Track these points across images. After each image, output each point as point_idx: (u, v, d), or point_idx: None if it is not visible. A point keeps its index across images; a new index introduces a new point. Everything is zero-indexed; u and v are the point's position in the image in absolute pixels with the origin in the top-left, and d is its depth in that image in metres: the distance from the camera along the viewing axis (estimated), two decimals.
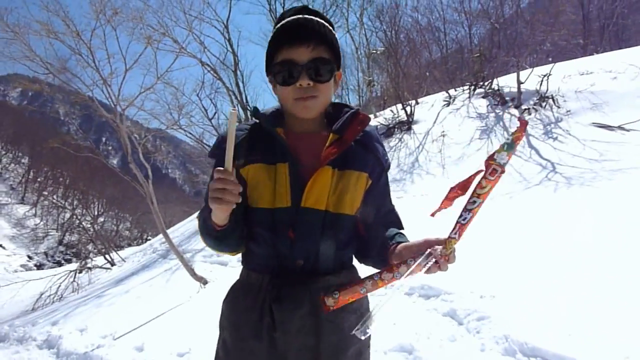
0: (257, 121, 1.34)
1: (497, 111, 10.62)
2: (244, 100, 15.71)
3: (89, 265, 13.20)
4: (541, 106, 9.68)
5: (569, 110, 9.08)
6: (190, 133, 15.19)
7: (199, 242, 10.03)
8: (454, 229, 1.10)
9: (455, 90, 13.45)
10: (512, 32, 12.85)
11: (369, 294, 1.24)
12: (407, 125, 12.22)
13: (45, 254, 50.33)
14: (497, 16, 12.98)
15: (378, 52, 14.81)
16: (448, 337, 3.33)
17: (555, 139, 8.36)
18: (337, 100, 1.44)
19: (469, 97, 12.17)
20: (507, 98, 10.85)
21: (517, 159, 7.91)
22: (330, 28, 1.29)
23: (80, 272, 11.63)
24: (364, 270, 1.37)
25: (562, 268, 4.00)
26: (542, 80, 9.93)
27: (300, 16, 1.25)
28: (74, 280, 10.59)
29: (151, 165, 7.93)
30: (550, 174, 7.06)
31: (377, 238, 1.33)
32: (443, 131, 10.69)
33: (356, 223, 1.36)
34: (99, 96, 8.21)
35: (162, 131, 11.98)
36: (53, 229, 53.37)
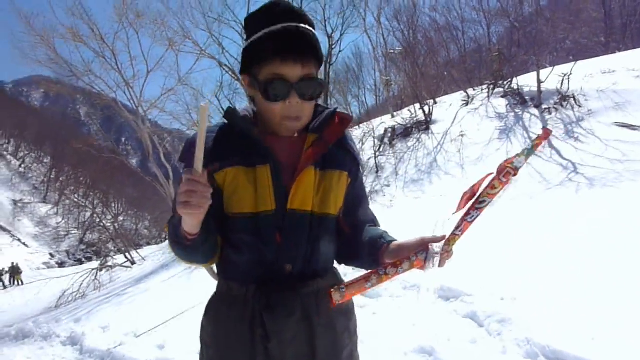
0: (226, 122, 1.27)
1: (517, 111, 10.50)
2: None
3: (109, 263, 13.41)
4: (562, 106, 9.55)
5: (591, 110, 8.94)
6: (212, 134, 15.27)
7: None
8: (458, 226, 1.08)
9: (474, 90, 13.33)
10: (531, 31, 12.68)
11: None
12: (425, 125, 12.16)
13: (67, 252, 51.26)
14: (517, 14, 12.83)
15: (396, 52, 14.75)
16: (469, 340, 3.31)
17: (577, 139, 8.24)
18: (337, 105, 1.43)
19: (488, 97, 12.06)
20: (526, 97, 10.72)
21: (538, 159, 7.81)
22: (316, 34, 1.22)
23: (101, 270, 11.83)
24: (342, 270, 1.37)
25: (585, 270, 3.95)
26: (562, 80, 9.79)
27: (293, 24, 1.16)
28: (95, 279, 10.77)
29: (171, 165, 8.04)
30: (571, 174, 6.97)
31: (365, 237, 1.30)
32: (462, 131, 10.61)
33: (338, 223, 1.33)
34: (121, 98, 8.38)
35: (182, 132, 12.13)
36: (74, 227, 54.34)
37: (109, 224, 19.10)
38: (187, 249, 1.15)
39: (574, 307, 3.36)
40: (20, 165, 76.05)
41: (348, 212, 1.34)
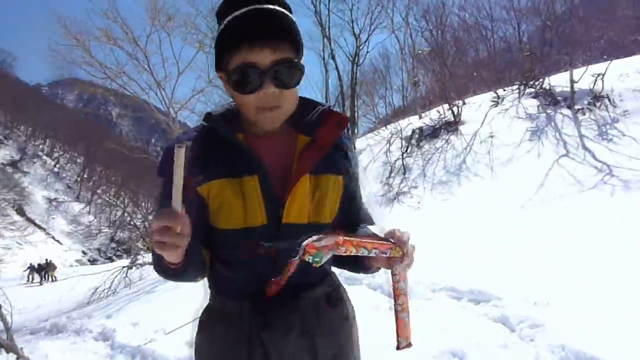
0: (205, 124, 1.14)
1: (549, 111, 10.27)
2: None
3: (139, 261, 13.67)
4: (595, 106, 9.30)
5: (626, 110, 8.67)
6: None
7: None
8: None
9: (504, 90, 13.10)
10: (564, 30, 12.39)
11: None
12: (454, 126, 12.00)
13: (98, 249, 52.61)
14: (549, 13, 12.56)
15: (424, 53, 14.62)
16: (499, 344, 3.25)
17: (610, 140, 8.01)
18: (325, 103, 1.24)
19: (519, 97, 11.82)
20: (559, 98, 10.47)
21: (570, 160, 7.63)
22: (290, 15, 1.08)
23: (131, 268, 12.06)
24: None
25: (622, 275, 3.83)
26: (595, 79, 9.53)
27: (257, 6, 1.02)
28: (126, 276, 10.99)
29: None
30: (606, 177, 6.77)
31: None
32: (491, 132, 10.43)
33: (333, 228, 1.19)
34: (153, 99, 8.57)
35: None
36: (105, 226, 55.71)
37: (139, 223, 19.49)
38: (172, 276, 1.06)
39: (610, 313, 3.26)
40: (54, 165, 78.44)
41: (340, 212, 1.21)
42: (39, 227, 54.70)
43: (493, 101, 12.32)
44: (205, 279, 1.22)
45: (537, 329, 3.27)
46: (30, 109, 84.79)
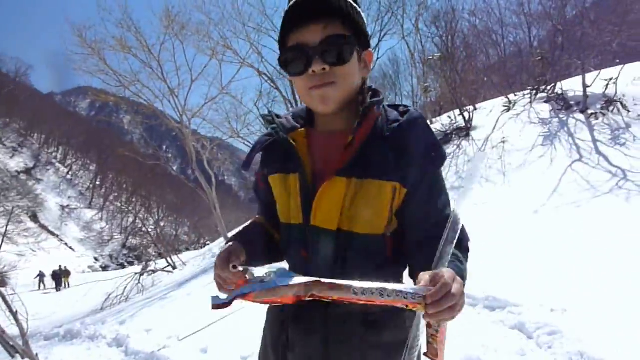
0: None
1: (561, 116, 10.18)
2: None
3: (151, 268, 13.77)
4: (609, 110, 9.21)
5: None
6: (250, 142, 15.60)
7: None
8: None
9: (515, 95, 13.02)
10: (576, 34, 12.29)
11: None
12: (465, 131, 11.96)
13: (110, 256, 52.98)
14: (560, 17, 12.47)
15: (435, 58, 14.59)
16: (517, 351, 3.22)
17: (624, 144, 7.92)
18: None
19: (530, 102, 11.75)
20: (571, 102, 10.38)
21: (584, 165, 7.55)
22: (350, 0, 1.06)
23: (142, 274, 12.15)
24: None
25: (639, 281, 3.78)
26: (608, 83, 9.45)
27: None
28: (139, 283, 11.07)
29: (214, 172, 8.22)
30: (621, 182, 6.69)
31: (419, 264, 1.00)
32: (503, 137, 10.36)
33: (388, 244, 1.10)
34: (166, 107, 8.67)
35: (223, 140, 12.37)
36: (117, 232, 56.14)
37: (151, 229, 19.63)
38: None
39: (628, 319, 3.22)
40: (68, 172, 79.29)
41: (412, 228, 1.10)
42: (52, 233, 55.23)
43: (505, 106, 12.25)
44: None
45: (554, 335, 3.23)
46: (44, 117, 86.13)
